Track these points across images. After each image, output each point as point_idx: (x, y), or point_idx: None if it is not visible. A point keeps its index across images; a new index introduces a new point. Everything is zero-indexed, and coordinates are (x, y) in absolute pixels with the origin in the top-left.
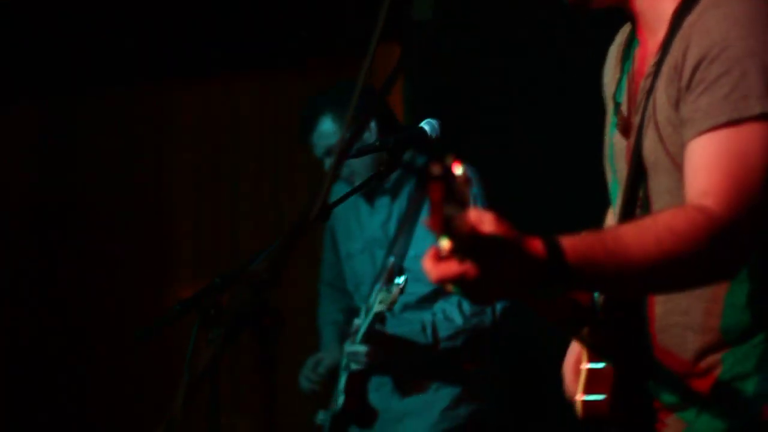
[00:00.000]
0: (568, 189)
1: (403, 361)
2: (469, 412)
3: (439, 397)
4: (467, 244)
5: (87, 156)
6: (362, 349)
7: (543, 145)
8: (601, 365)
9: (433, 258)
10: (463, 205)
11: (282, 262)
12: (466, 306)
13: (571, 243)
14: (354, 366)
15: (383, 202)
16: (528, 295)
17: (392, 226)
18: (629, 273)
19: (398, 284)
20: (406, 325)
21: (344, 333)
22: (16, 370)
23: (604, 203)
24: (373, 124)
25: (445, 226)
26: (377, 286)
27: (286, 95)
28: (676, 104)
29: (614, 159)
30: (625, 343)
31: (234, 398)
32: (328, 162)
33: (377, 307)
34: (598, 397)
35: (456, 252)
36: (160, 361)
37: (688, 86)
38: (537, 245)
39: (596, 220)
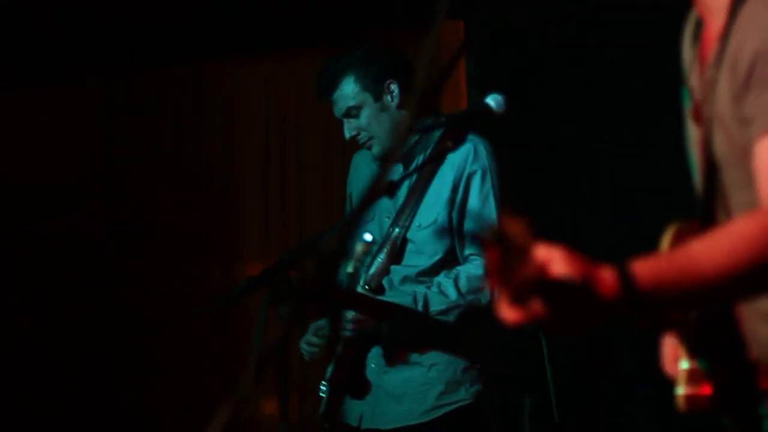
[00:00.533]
0: (640, 171)
1: (392, 330)
2: (467, 394)
3: (434, 379)
4: (532, 291)
5: (154, 134)
6: (349, 315)
7: (610, 123)
8: (700, 362)
9: (504, 305)
10: (523, 254)
11: (349, 237)
12: (464, 281)
13: (643, 270)
14: (343, 332)
15: (395, 169)
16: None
17: (401, 196)
18: (705, 291)
19: (364, 241)
20: (399, 297)
21: None
22: (87, 341)
23: (675, 191)
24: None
25: (505, 281)
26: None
27: None
28: (738, 100)
29: (691, 145)
30: (720, 341)
31: (302, 373)
32: (347, 123)
33: (349, 269)
34: (699, 392)
35: (517, 301)
36: (230, 337)
37: (747, 83)
38: (608, 280)
39: (665, 208)
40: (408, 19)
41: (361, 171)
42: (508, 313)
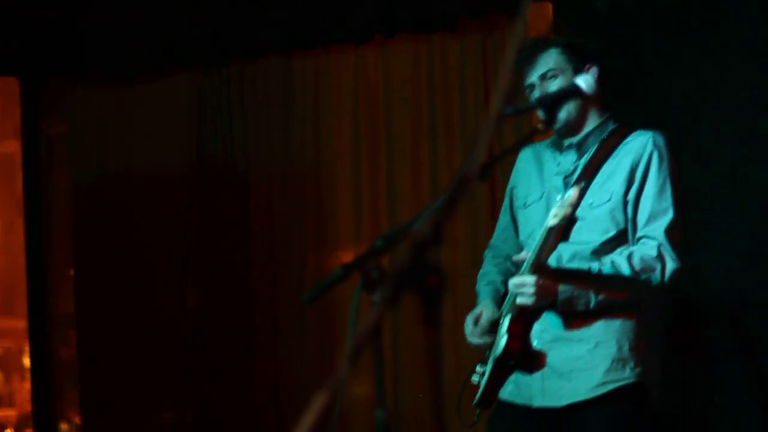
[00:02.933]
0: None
1: (567, 302)
2: (632, 373)
3: (600, 357)
4: None
5: (245, 124)
6: (530, 279)
7: (699, 109)
8: None
9: None
10: None
11: (443, 221)
12: (637, 260)
13: None
14: (519, 300)
15: (569, 157)
16: None
17: (573, 179)
18: None
19: (574, 189)
20: (571, 269)
21: (499, 293)
22: (186, 333)
23: None
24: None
25: None
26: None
27: (439, 57)
28: None
29: None
30: None
31: (396, 359)
32: (539, 87)
33: (551, 221)
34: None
35: None
36: (323, 325)
37: None
38: None
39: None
40: (498, 4)
41: (526, 163)
42: None
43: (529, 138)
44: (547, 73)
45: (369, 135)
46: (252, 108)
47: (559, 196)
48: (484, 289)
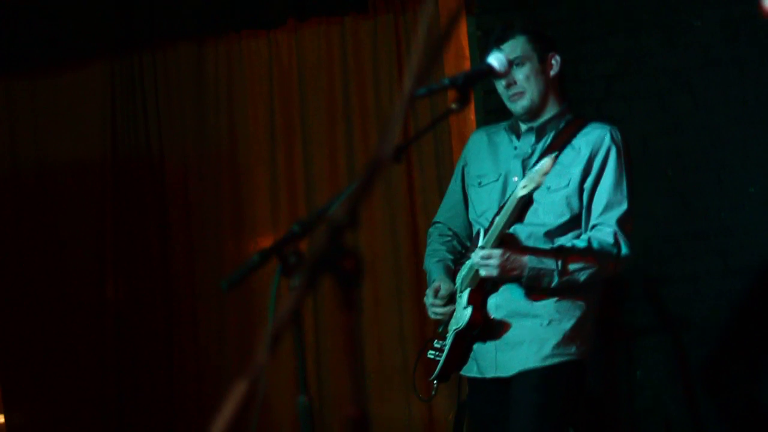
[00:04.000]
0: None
1: (533, 278)
2: (577, 351)
3: (552, 332)
4: None
5: (158, 112)
6: (497, 252)
7: (609, 82)
8: None
9: None
10: None
11: (359, 204)
12: (596, 245)
13: None
14: (484, 272)
15: (528, 140)
16: None
17: (532, 162)
18: None
19: (544, 163)
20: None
21: (451, 270)
22: (106, 324)
23: None
24: None
25: None
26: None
27: (351, 39)
28: None
29: None
30: None
31: (318, 343)
32: (498, 83)
33: (520, 192)
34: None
35: None
36: (242, 311)
37: None
38: None
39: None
40: None
41: (479, 144)
42: None
43: (443, 118)
44: (515, 60)
45: (284, 120)
46: (165, 96)
47: (516, 178)
48: (435, 266)
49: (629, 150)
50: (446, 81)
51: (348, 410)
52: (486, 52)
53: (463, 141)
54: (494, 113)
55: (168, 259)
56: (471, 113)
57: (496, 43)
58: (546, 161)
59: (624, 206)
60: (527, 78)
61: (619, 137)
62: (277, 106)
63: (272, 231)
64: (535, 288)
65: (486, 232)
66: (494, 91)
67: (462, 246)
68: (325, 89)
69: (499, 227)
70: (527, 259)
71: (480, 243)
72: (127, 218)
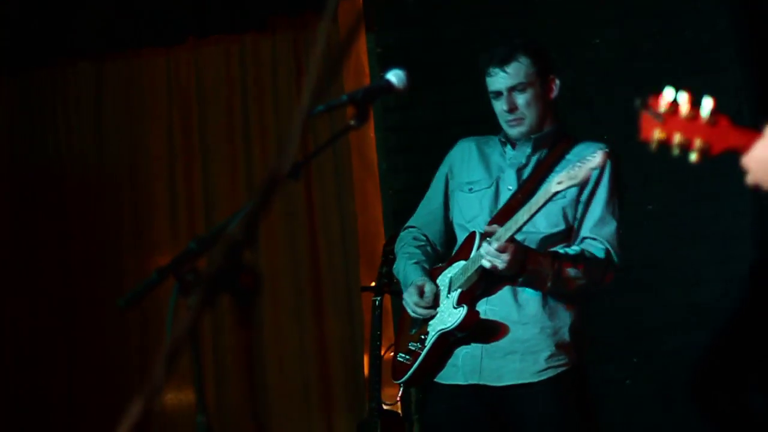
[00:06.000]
0: None
1: (530, 278)
2: (572, 358)
3: (544, 342)
4: None
5: (56, 129)
6: (511, 246)
7: None
8: None
9: None
10: None
11: (256, 221)
12: (590, 257)
13: None
14: (486, 264)
15: (523, 150)
16: None
17: (527, 172)
18: None
19: (595, 160)
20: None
21: (427, 272)
22: (11, 340)
23: None
24: None
25: None
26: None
27: (251, 57)
28: None
29: None
30: None
31: (218, 361)
32: (508, 97)
33: (554, 187)
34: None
35: None
36: (139, 329)
37: None
38: None
39: None
40: (308, 2)
41: (467, 152)
42: None
43: (342, 134)
44: (518, 86)
45: (183, 137)
46: (63, 113)
47: (511, 187)
48: (412, 267)
49: (622, 169)
50: (345, 97)
51: (248, 429)
52: (487, 71)
53: (363, 158)
54: (393, 131)
55: (68, 279)
56: (371, 130)
57: (500, 65)
58: (598, 157)
59: (615, 222)
60: (528, 104)
61: (614, 155)
62: (176, 123)
63: (172, 248)
64: (529, 284)
65: (483, 236)
66: (395, 108)
67: (434, 251)
68: (225, 106)
69: (519, 222)
70: (530, 259)
71: (491, 236)
72: (26, 238)
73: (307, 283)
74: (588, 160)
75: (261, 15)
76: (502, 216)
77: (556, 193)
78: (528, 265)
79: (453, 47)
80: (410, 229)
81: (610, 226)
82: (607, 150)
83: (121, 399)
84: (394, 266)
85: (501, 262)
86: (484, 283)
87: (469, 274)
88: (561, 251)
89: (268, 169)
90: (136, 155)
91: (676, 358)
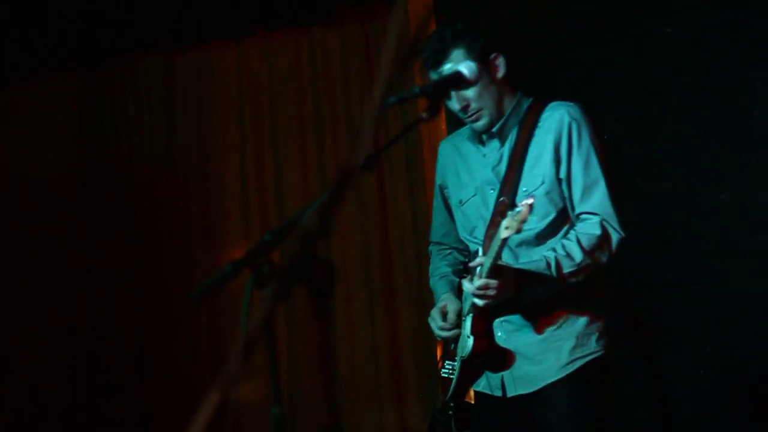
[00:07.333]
0: None
1: (527, 295)
2: (597, 345)
3: (564, 335)
4: None
5: (127, 124)
6: (493, 282)
7: (584, 95)
8: None
9: None
10: None
11: (330, 213)
12: (585, 241)
13: None
14: (479, 303)
15: (493, 146)
16: None
17: (503, 168)
18: None
19: (524, 204)
20: (532, 264)
21: (455, 285)
22: (84, 336)
23: None
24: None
25: None
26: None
27: (320, 49)
28: None
29: None
30: None
31: (291, 353)
32: (456, 95)
33: (503, 233)
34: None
35: None
36: (215, 323)
37: None
38: None
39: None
40: None
41: (450, 158)
42: None
43: (414, 126)
44: (462, 85)
45: (254, 130)
46: (134, 107)
47: (493, 190)
48: (439, 282)
49: (592, 122)
50: (416, 90)
51: (321, 419)
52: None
53: (435, 150)
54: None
55: (139, 273)
56: (442, 122)
57: (435, 68)
58: (523, 210)
59: (602, 186)
60: (479, 96)
61: (578, 112)
62: (247, 117)
63: (244, 242)
64: (533, 301)
65: (485, 250)
66: None
67: (461, 252)
68: (295, 99)
69: (490, 261)
70: (521, 277)
71: (477, 269)
72: (97, 232)
73: (379, 275)
74: (520, 213)
75: (328, 6)
76: (491, 227)
77: (506, 239)
78: (521, 284)
79: (524, 39)
80: (432, 245)
81: (597, 193)
82: (567, 112)
83: (192, 395)
84: (430, 283)
85: (489, 295)
86: (489, 306)
87: (470, 301)
88: (557, 247)
89: (341, 161)
90: (207, 148)
91: (750, 349)
